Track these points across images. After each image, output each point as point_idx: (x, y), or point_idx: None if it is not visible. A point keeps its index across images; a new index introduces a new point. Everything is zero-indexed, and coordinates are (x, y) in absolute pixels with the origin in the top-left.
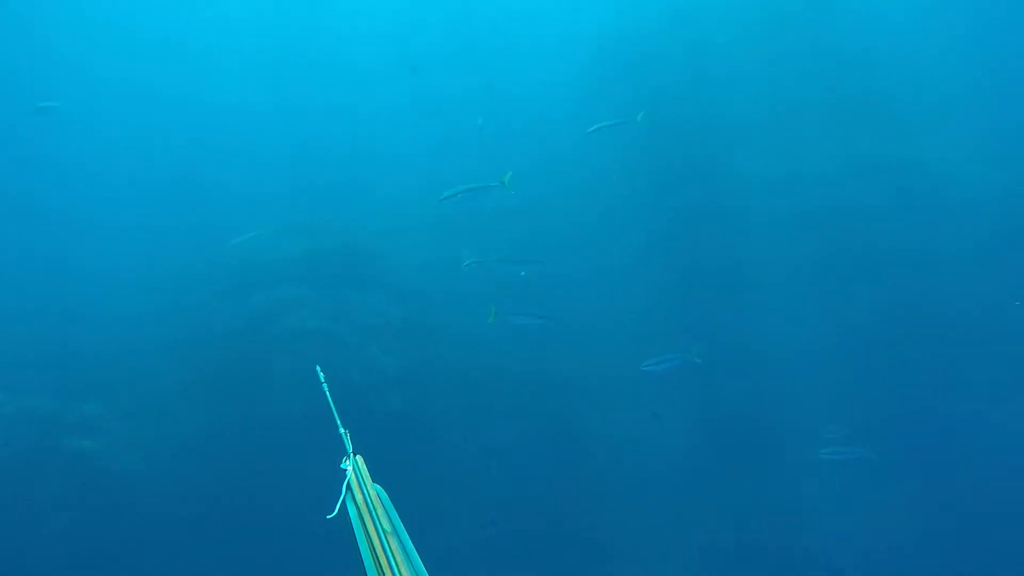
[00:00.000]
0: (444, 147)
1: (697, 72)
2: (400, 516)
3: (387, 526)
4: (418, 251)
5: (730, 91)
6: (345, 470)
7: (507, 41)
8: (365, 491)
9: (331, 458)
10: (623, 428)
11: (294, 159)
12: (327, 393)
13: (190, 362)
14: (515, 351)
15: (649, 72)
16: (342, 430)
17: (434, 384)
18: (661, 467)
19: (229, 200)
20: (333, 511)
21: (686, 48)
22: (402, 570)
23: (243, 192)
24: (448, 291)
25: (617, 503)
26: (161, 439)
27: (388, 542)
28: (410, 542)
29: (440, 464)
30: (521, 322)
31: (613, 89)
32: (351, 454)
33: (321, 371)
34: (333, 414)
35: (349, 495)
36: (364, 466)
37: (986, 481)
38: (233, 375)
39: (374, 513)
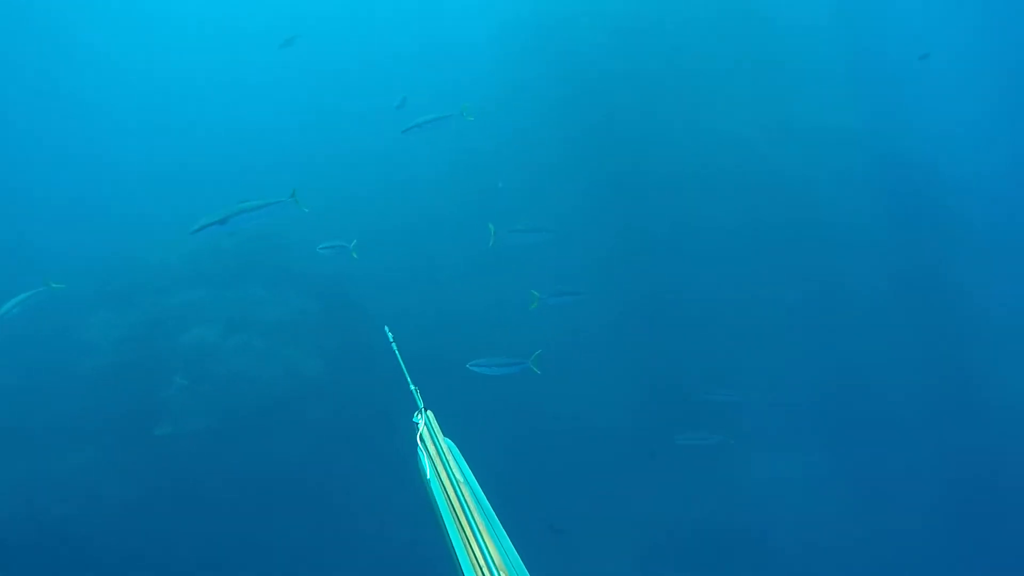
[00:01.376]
0: (348, 121)
1: (620, 38)
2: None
3: (459, 476)
4: (327, 236)
5: (654, 56)
6: (417, 424)
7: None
8: (437, 443)
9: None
10: (572, 408)
11: (178, 140)
12: (396, 351)
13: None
14: (450, 336)
15: (568, 40)
16: (412, 387)
17: (365, 384)
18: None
19: (114, 191)
20: (421, 471)
21: (607, 16)
22: (475, 516)
23: (128, 181)
24: (366, 277)
25: (568, 485)
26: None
27: (461, 491)
28: (482, 492)
29: (380, 473)
30: (557, 301)
31: (531, 58)
32: (422, 409)
33: (389, 331)
34: (403, 370)
35: (422, 447)
36: (435, 420)
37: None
38: (112, 409)
39: (447, 464)
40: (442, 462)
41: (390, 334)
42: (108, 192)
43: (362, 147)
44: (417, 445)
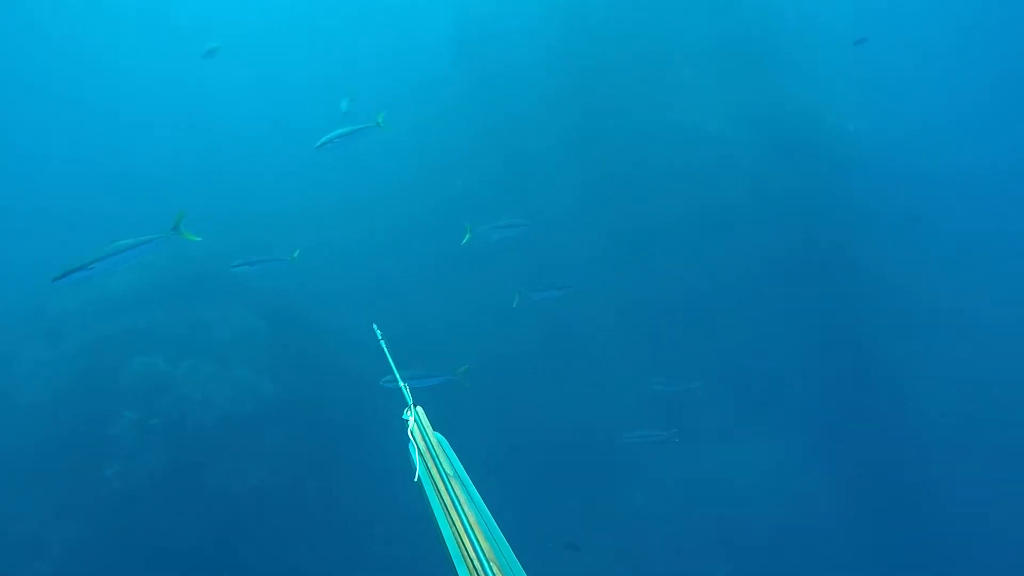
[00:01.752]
0: (288, 132)
1: (579, 29)
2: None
3: (449, 470)
4: (273, 249)
5: (614, 43)
6: (406, 420)
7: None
8: (427, 439)
9: None
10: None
11: (115, 149)
12: (385, 348)
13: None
14: (413, 347)
15: (533, 36)
16: (401, 383)
17: (323, 401)
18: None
19: (43, 216)
20: (414, 470)
21: (574, 11)
22: (466, 509)
23: (59, 203)
24: (315, 291)
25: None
26: None
27: (452, 485)
28: (472, 485)
29: (350, 495)
30: (542, 296)
31: (493, 58)
32: (411, 405)
33: (377, 328)
34: (391, 367)
35: (412, 444)
36: (424, 416)
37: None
38: (55, 448)
39: (436, 459)
40: (432, 456)
41: (378, 331)
42: (38, 206)
43: (312, 157)
44: (408, 441)
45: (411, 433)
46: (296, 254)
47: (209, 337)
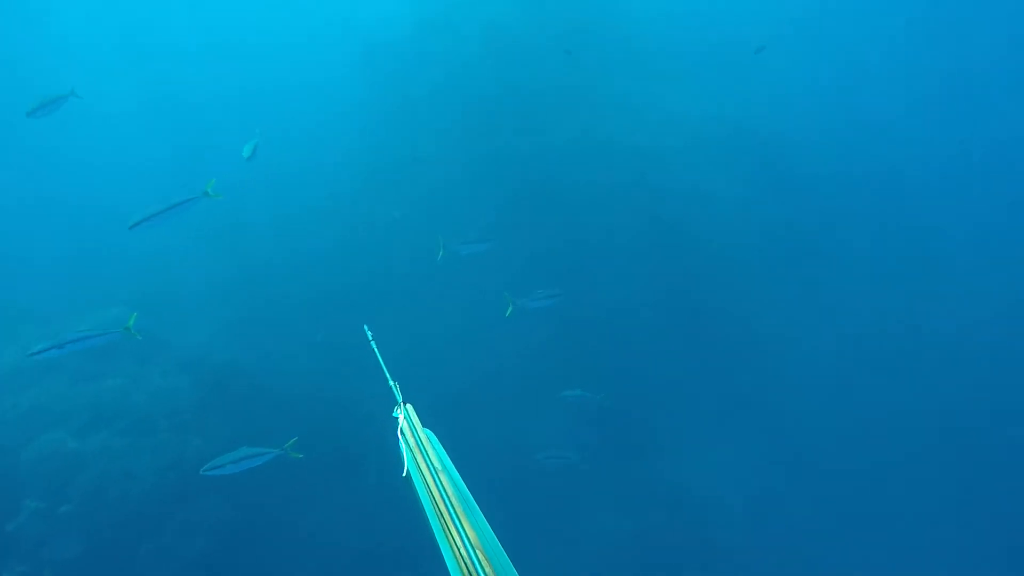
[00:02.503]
0: (194, 162)
1: (505, 54)
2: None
3: (438, 464)
4: (191, 296)
5: (531, 64)
6: (397, 418)
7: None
8: (416, 435)
9: None
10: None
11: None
12: (375, 349)
13: None
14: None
15: (450, 55)
16: (392, 382)
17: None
18: None
19: None
20: (403, 466)
21: (491, 31)
22: (455, 503)
23: None
24: (245, 342)
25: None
26: None
27: (440, 479)
28: (460, 479)
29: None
30: (536, 306)
31: (414, 79)
32: (401, 403)
33: (368, 330)
34: (382, 367)
35: (403, 440)
36: (414, 413)
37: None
38: None
39: (425, 454)
40: (421, 451)
41: (369, 332)
42: None
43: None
44: (398, 438)
45: (401, 431)
46: (131, 322)
47: (123, 404)
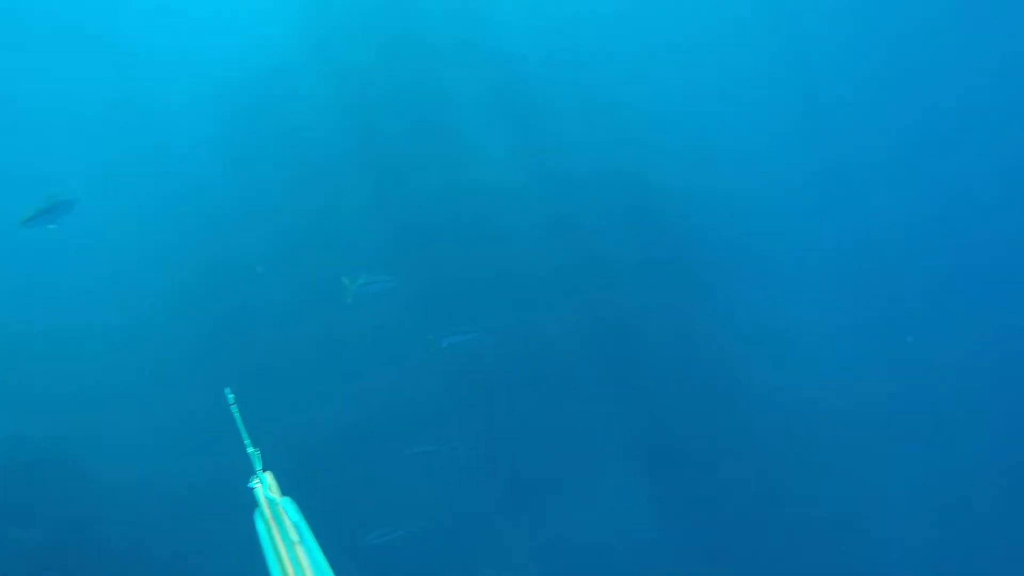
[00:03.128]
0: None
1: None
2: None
3: (295, 536)
4: None
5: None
6: (254, 488)
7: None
8: (273, 506)
9: None
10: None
11: None
12: (236, 414)
13: None
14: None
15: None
16: (251, 449)
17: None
18: None
19: None
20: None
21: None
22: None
23: None
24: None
25: None
26: None
27: (295, 552)
28: (319, 552)
29: None
30: (454, 341)
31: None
32: (259, 472)
33: (230, 392)
34: (242, 433)
35: (259, 512)
36: (273, 481)
37: None
38: None
39: (281, 525)
40: (277, 524)
41: (231, 396)
42: None
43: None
44: (255, 509)
45: (258, 501)
46: None
47: None
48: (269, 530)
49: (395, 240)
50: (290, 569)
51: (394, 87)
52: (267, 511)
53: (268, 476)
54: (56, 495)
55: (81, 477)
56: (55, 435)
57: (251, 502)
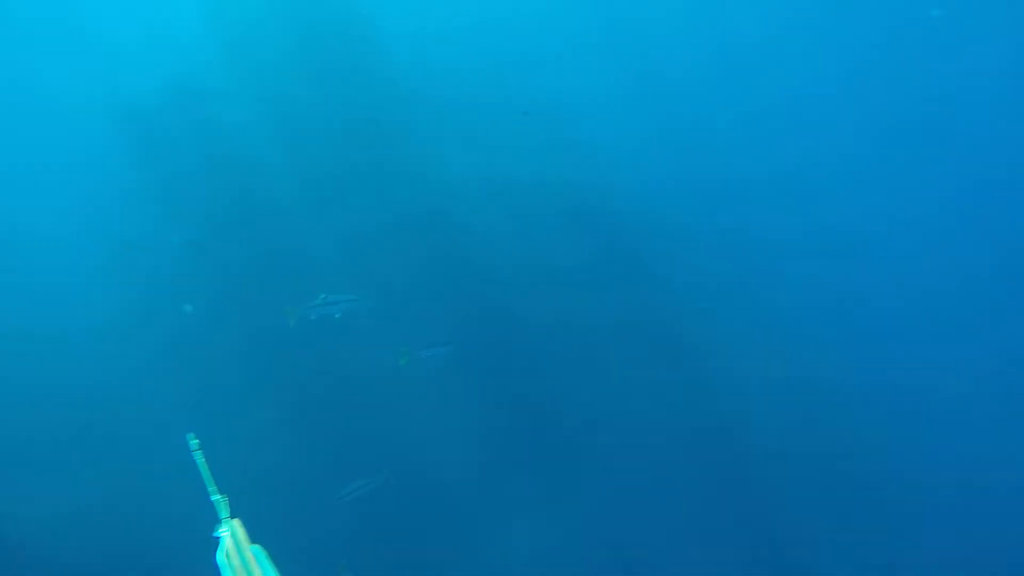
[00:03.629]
0: None
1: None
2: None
3: None
4: None
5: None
6: (219, 537)
7: None
8: (242, 555)
9: None
10: None
11: None
12: (199, 460)
13: None
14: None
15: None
16: (216, 496)
17: None
18: None
19: None
20: None
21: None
22: None
23: None
24: None
25: None
26: None
27: None
28: None
29: None
30: (430, 354)
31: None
32: (226, 519)
33: (193, 438)
34: (206, 480)
35: (227, 562)
36: (241, 529)
37: None
38: None
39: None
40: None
41: (194, 442)
42: None
43: None
44: (221, 561)
45: (225, 553)
46: None
47: None
48: None
49: (351, 253)
50: None
51: (330, 115)
52: (235, 561)
53: (236, 523)
54: None
55: None
56: None
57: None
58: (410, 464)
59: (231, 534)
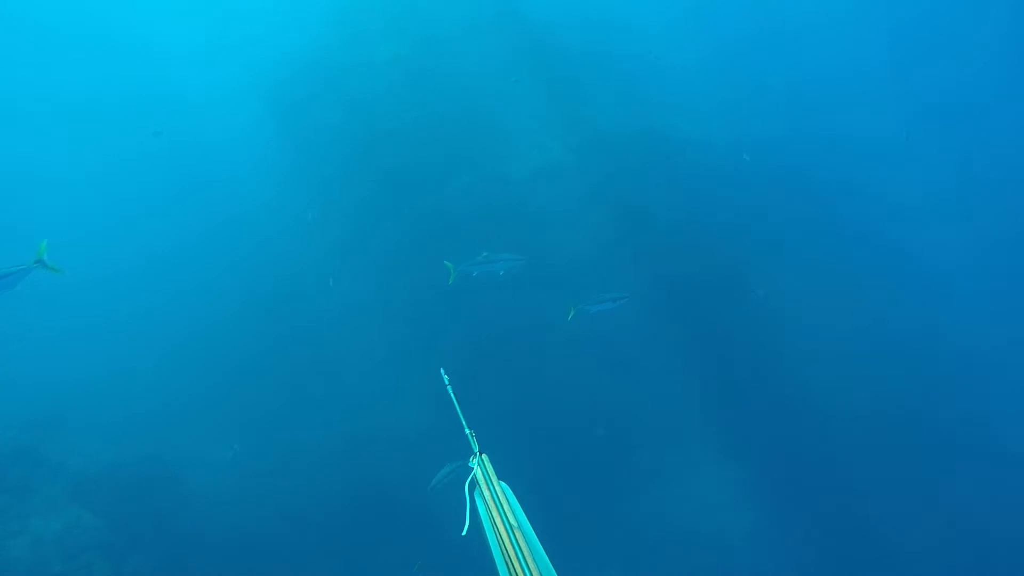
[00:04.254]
0: None
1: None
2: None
3: (513, 521)
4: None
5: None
6: (472, 468)
7: None
8: (492, 488)
9: None
10: None
11: None
12: (452, 395)
13: None
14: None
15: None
16: (468, 431)
17: None
18: None
19: None
20: (465, 517)
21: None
22: (530, 564)
23: None
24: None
25: None
26: None
27: (516, 537)
28: (535, 538)
29: None
30: (598, 309)
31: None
32: (477, 453)
33: (445, 373)
34: (459, 415)
35: (477, 491)
36: (490, 464)
37: None
38: None
39: (501, 509)
40: (496, 505)
41: (445, 376)
42: None
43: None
44: (472, 489)
45: (474, 481)
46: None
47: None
48: (488, 511)
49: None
50: (511, 552)
51: (442, 76)
52: (486, 492)
53: (485, 459)
54: (158, 525)
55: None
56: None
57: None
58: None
59: (481, 466)
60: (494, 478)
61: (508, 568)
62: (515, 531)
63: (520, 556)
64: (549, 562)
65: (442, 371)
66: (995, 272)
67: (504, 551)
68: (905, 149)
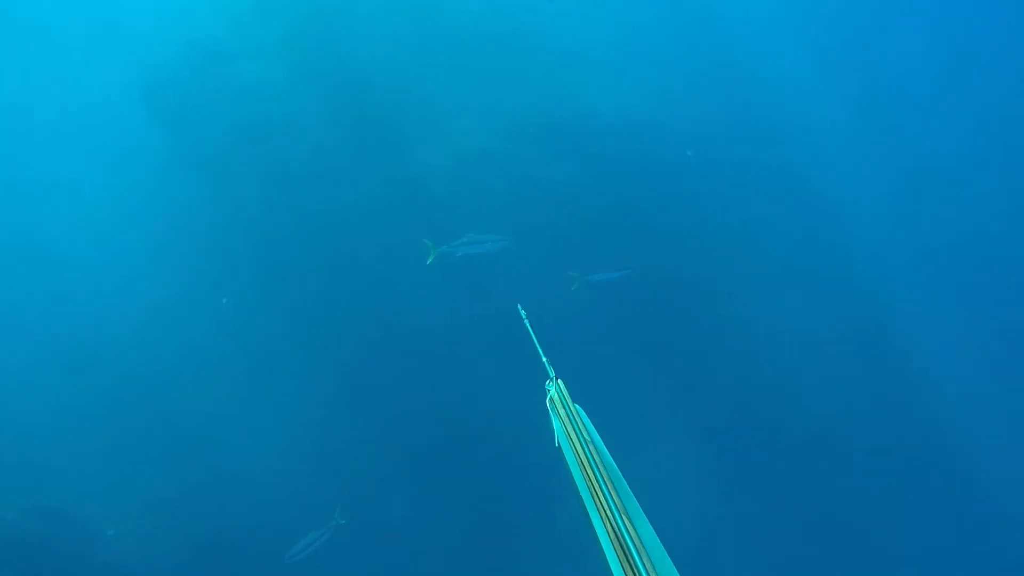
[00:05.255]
0: None
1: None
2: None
3: (588, 437)
4: None
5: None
6: (548, 391)
7: None
8: (568, 408)
9: None
10: None
11: None
12: (529, 328)
13: None
14: None
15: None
16: (544, 359)
17: None
18: None
19: None
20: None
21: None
22: (604, 475)
23: None
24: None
25: None
26: None
27: (590, 451)
28: (609, 455)
29: None
30: (602, 279)
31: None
32: (554, 378)
33: (522, 308)
34: (535, 345)
35: (554, 412)
36: (565, 388)
37: None
38: None
39: (577, 427)
40: (573, 425)
41: (523, 311)
42: None
43: None
44: (548, 410)
45: (551, 402)
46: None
47: None
48: (564, 428)
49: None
50: (586, 462)
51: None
52: (561, 412)
53: (561, 384)
54: None
55: None
56: None
57: None
58: None
59: (557, 388)
60: (570, 400)
61: (585, 479)
62: (590, 446)
63: (595, 468)
64: (621, 475)
65: (519, 307)
66: (942, 268)
67: (581, 463)
68: (849, 140)
